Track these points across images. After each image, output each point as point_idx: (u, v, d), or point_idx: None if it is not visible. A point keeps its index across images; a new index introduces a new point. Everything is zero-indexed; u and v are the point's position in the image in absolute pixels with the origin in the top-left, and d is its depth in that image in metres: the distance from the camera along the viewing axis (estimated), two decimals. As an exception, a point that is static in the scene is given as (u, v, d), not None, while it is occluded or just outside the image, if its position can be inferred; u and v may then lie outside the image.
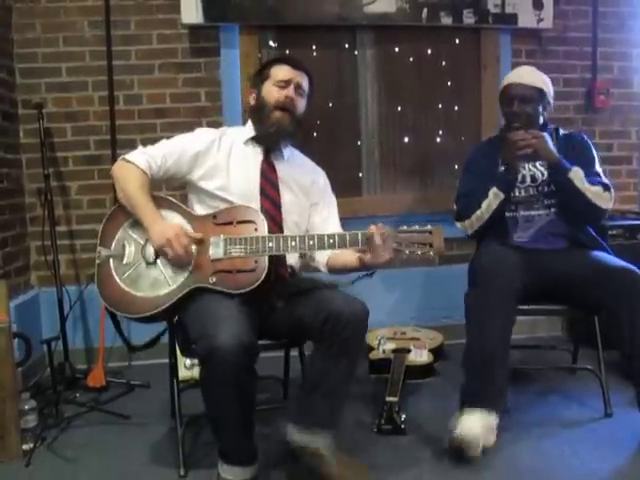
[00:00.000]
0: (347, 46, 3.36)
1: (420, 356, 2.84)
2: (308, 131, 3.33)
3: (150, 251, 1.95)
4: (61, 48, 3.08)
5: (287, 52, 3.29)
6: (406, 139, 3.44)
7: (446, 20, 3.21)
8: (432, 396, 2.59)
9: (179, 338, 2.03)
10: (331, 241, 1.84)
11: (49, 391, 2.59)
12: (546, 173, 2.40)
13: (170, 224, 1.92)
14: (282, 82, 2.06)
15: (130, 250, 1.98)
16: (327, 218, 2.18)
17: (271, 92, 2.07)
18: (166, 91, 3.16)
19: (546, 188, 2.40)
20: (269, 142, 2.10)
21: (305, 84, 2.12)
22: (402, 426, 2.24)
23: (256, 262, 1.85)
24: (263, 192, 2.05)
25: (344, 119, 3.38)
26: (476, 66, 3.38)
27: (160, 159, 2.02)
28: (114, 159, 3.02)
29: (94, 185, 3.12)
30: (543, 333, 3.40)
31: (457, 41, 3.39)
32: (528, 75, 2.44)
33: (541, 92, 2.41)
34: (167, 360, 2.21)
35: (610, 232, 3.03)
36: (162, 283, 1.91)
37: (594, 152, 2.44)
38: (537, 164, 2.42)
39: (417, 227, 1.82)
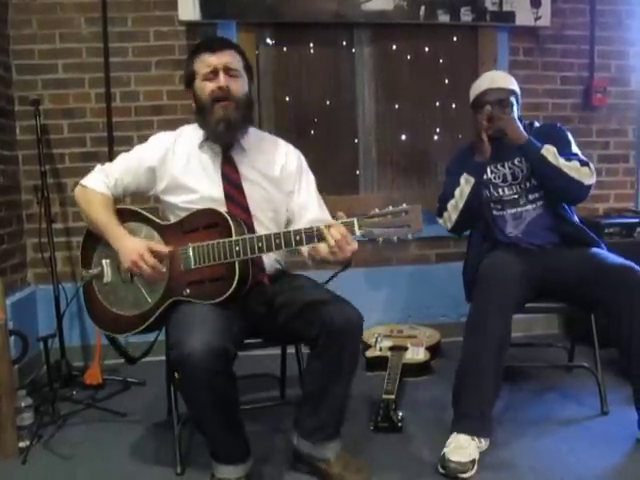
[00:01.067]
0: (344, 44, 3.35)
1: (417, 354, 2.84)
2: (305, 129, 3.33)
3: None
4: (58, 45, 3.07)
5: (284, 49, 3.30)
6: (403, 137, 3.44)
7: (443, 18, 3.21)
8: (429, 394, 2.59)
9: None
10: (297, 238, 1.70)
11: (45, 389, 2.59)
12: (525, 169, 2.40)
13: (135, 244, 1.85)
14: (209, 74, 1.90)
15: (108, 269, 1.97)
16: (305, 204, 2.03)
17: (203, 88, 1.91)
18: (163, 88, 3.15)
19: (528, 184, 2.40)
20: (223, 140, 1.95)
21: (235, 61, 1.93)
22: (399, 424, 2.24)
23: (226, 269, 1.77)
24: (228, 197, 1.92)
25: (341, 117, 3.38)
26: (474, 64, 3.37)
27: (115, 179, 1.98)
28: (111, 156, 3.01)
29: (91, 182, 3.11)
30: (540, 331, 3.40)
31: (454, 39, 3.40)
32: (501, 79, 2.46)
33: (515, 93, 2.42)
34: (163, 358, 2.20)
35: (607, 230, 3.04)
36: (141, 300, 1.90)
37: (569, 137, 2.43)
38: (515, 161, 2.41)
39: (391, 208, 1.66)
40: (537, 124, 2.52)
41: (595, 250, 2.31)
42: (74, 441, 2.23)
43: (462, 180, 2.33)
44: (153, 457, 2.11)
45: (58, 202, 3.12)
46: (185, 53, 3.13)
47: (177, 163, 1.96)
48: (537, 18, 3.26)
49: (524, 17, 3.25)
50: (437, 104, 3.44)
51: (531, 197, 2.41)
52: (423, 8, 3.18)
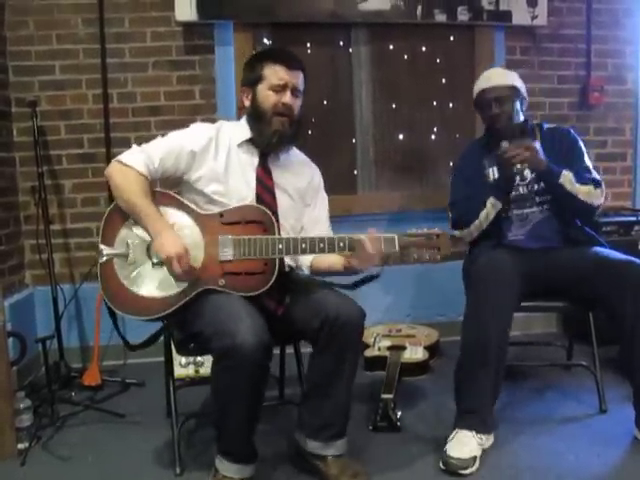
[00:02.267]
0: (342, 43, 3.35)
1: (415, 353, 2.84)
2: (303, 129, 3.32)
3: None
4: (55, 46, 3.07)
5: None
6: (401, 136, 3.44)
7: (440, 17, 3.21)
8: (427, 393, 2.60)
9: (175, 336, 2.00)
10: (341, 244, 1.83)
11: (44, 390, 2.57)
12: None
13: (174, 240, 1.82)
14: (278, 87, 1.97)
15: (135, 249, 1.90)
16: (317, 219, 2.13)
17: (267, 98, 1.97)
18: (160, 89, 3.15)
19: (536, 186, 2.39)
20: (269, 149, 2.02)
21: (301, 83, 2.03)
22: (397, 423, 2.24)
23: (266, 264, 1.83)
24: (259, 199, 1.97)
25: (339, 117, 3.38)
26: (471, 63, 3.37)
27: (158, 160, 1.93)
28: (108, 157, 3.01)
29: (88, 183, 3.11)
30: (538, 329, 3.41)
31: (451, 38, 3.39)
32: (497, 76, 2.45)
33: (514, 89, 2.41)
34: (162, 358, 2.20)
35: (604, 228, 3.04)
36: (169, 284, 1.87)
37: (582, 146, 2.43)
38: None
39: (425, 230, 1.82)
40: (546, 125, 2.49)
41: (596, 248, 2.31)
42: (73, 442, 2.23)
43: (489, 204, 2.33)
44: (152, 458, 2.11)
45: (56, 203, 3.12)
46: (182, 53, 3.14)
47: (218, 157, 1.98)
48: (534, 17, 3.27)
49: (521, 16, 3.25)
50: (434, 104, 3.43)
51: (538, 200, 2.40)
52: (420, 8, 3.18)
